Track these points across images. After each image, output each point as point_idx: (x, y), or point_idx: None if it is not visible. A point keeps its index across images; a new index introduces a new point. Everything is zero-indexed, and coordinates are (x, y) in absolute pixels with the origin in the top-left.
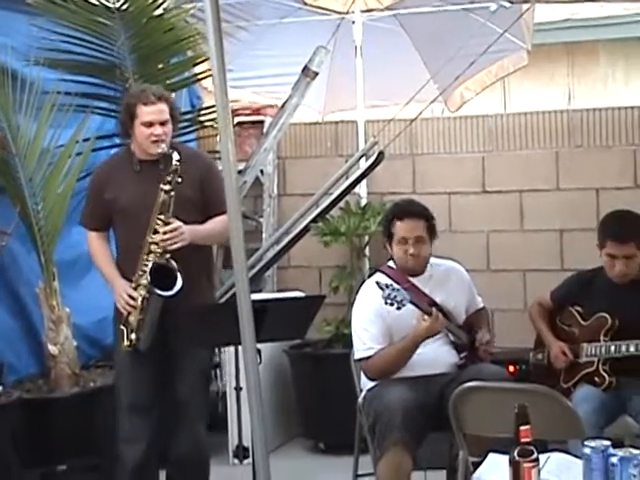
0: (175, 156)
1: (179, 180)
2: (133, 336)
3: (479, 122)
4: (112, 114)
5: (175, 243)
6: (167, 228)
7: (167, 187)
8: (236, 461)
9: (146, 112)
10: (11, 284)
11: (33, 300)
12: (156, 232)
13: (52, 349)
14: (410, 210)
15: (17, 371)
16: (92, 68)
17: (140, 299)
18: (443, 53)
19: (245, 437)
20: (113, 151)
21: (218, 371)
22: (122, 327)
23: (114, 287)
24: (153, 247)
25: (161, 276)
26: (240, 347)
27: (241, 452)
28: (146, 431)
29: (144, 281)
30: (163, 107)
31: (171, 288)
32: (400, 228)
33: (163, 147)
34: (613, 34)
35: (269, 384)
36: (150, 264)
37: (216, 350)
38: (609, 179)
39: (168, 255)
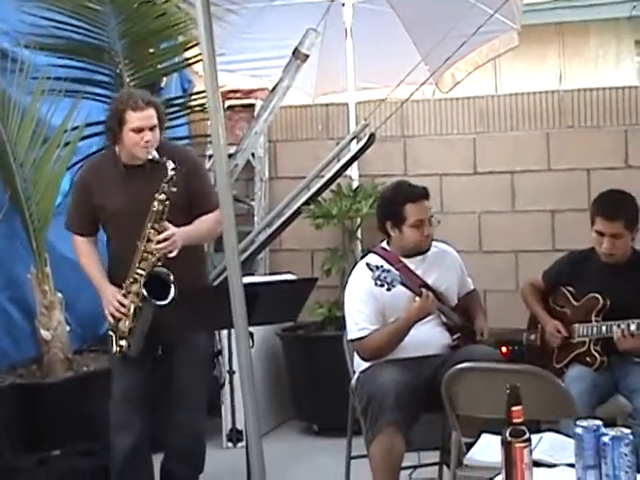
0: (170, 164)
1: (174, 189)
2: (123, 342)
3: (470, 103)
4: (103, 99)
5: (170, 252)
6: (161, 237)
7: (163, 197)
8: (230, 444)
9: (135, 118)
10: (8, 268)
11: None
12: (149, 240)
13: (45, 334)
14: (419, 192)
15: (11, 356)
16: (82, 52)
17: (132, 308)
18: (434, 34)
19: (239, 420)
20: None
21: (220, 358)
22: (111, 333)
23: (103, 293)
24: (146, 255)
25: (154, 285)
26: (232, 330)
27: (235, 435)
28: (137, 421)
29: (135, 288)
30: (151, 112)
31: (164, 296)
32: (414, 211)
33: (153, 153)
34: (604, 14)
35: (262, 367)
36: (144, 272)
37: (216, 337)
38: (600, 159)
39: (160, 262)
